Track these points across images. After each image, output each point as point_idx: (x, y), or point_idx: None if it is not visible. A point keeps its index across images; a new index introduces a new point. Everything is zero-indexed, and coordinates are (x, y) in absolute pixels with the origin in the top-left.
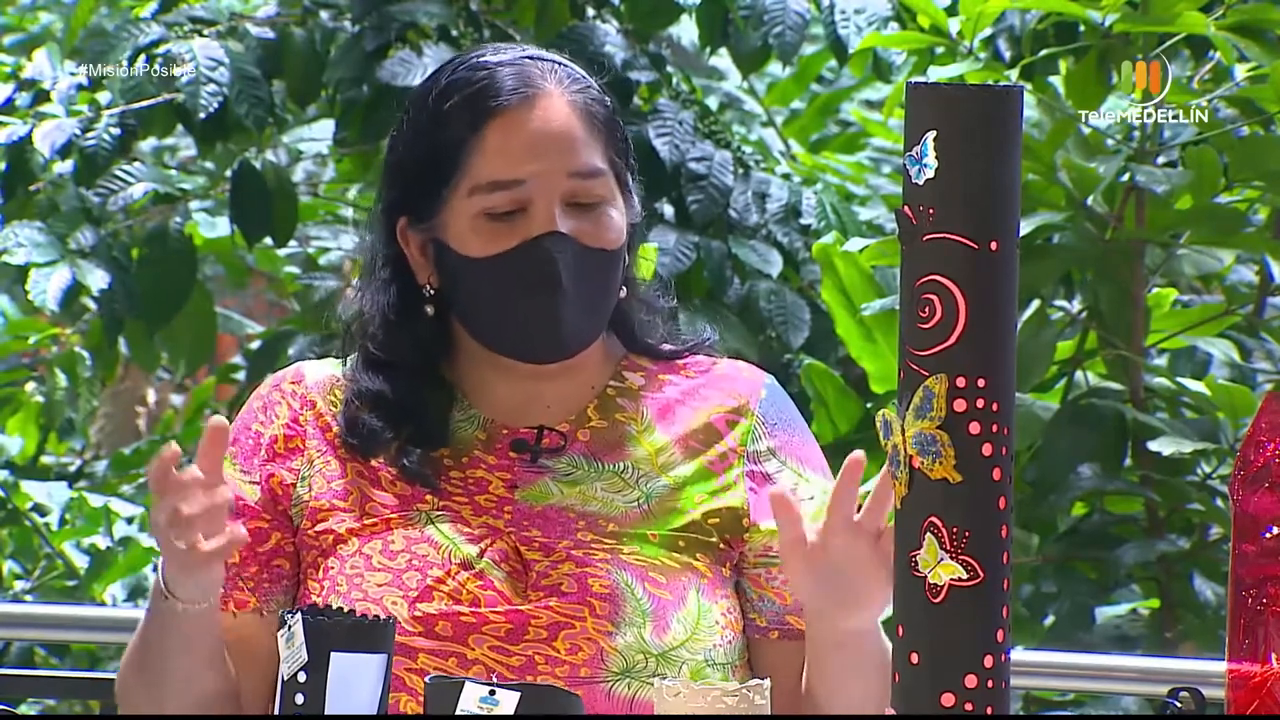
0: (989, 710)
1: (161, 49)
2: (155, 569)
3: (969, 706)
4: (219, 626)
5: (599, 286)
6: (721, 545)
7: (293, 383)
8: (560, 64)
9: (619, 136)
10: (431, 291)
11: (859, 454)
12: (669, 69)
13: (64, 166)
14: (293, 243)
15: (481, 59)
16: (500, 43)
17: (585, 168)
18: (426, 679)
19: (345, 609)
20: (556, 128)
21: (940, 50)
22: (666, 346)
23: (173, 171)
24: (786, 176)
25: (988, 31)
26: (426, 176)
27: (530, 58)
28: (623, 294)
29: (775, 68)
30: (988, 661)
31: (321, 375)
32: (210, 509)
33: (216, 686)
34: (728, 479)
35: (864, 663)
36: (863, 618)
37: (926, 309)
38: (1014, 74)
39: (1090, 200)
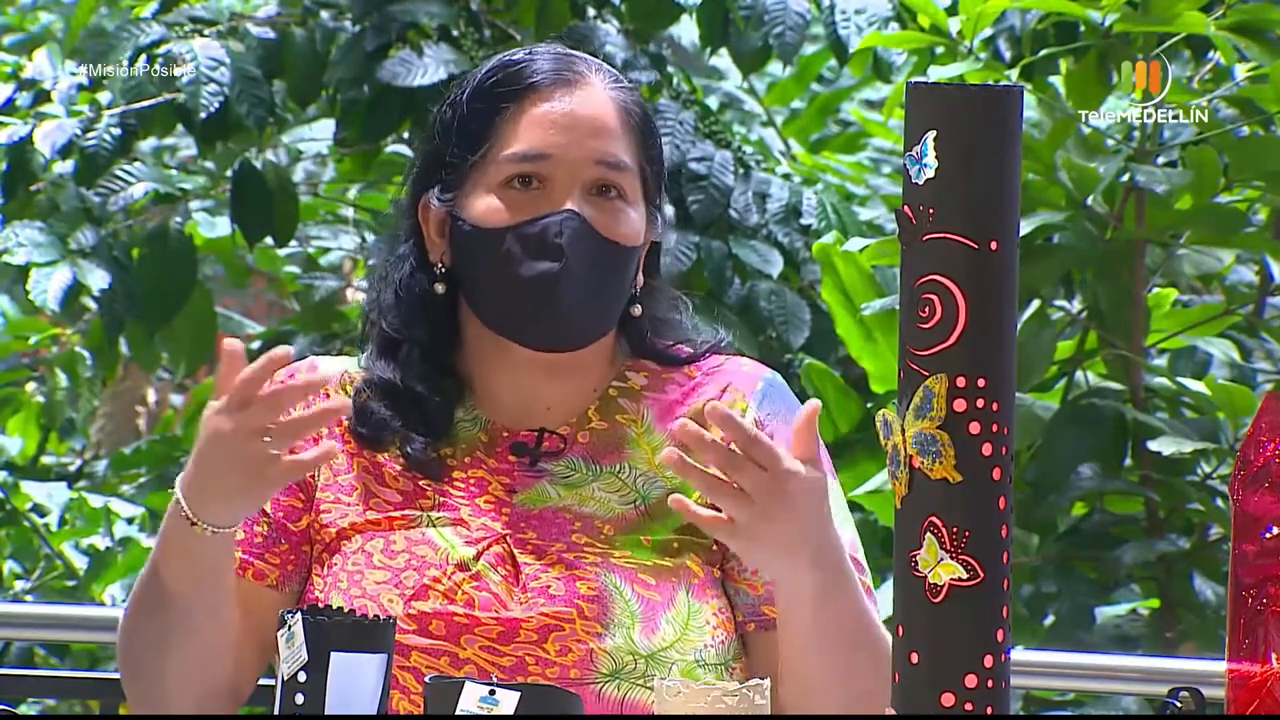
0: (989, 710)
1: (162, 49)
2: (176, 496)
3: (969, 706)
4: (232, 563)
5: (606, 281)
6: (714, 545)
7: (307, 373)
8: (603, 65)
9: (652, 146)
10: (442, 269)
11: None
12: (669, 69)
13: (64, 166)
14: (293, 243)
15: (520, 50)
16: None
17: (613, 158)
18: (426, 679)
19: (344, 606)
20: (592, 112)
21: (940, 50)
22: (679, 349)
23: (173, 171)
24: (787, 176)
25: (988, 31)
26: (457, 145)
27: (567, 51)
28: (636, 312)
29: (775, 68)
30: (988, 661)
31: (334, 369)
32: (324, 416)
33: (224, 637)
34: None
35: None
36: (782, 556)
37: (926, 309)
38: (1014, 74)
39: (1090, 200)
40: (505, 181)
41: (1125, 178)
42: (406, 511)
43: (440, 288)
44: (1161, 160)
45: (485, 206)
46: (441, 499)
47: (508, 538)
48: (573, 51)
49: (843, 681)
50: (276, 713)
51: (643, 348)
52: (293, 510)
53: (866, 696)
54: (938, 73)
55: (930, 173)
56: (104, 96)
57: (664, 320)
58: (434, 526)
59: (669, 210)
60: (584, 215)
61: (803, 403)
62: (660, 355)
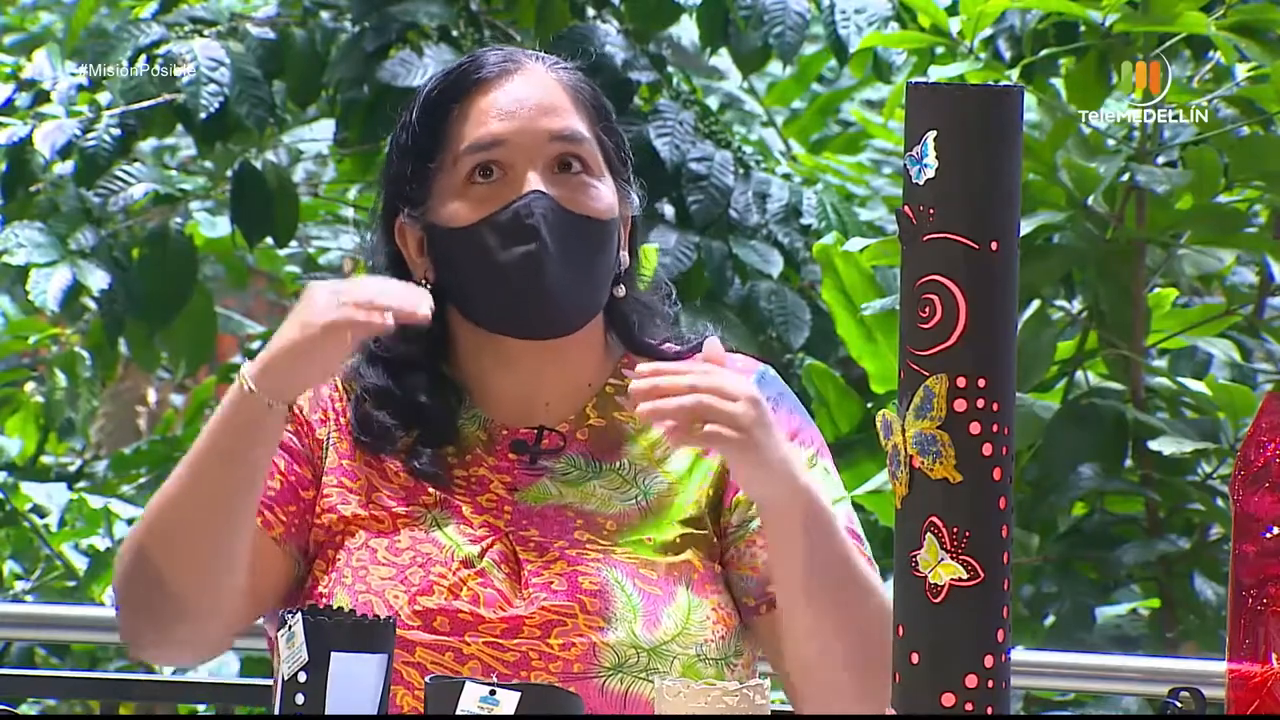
0: (989, 710)
1: (162, 49)
2: (240, 380)
3: (969, 706)
4: (269, 461)
5: (586, 256)
6: (714, 538)
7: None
8: (539, 53)
9: (607, 119)
10: (428, 285)
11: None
12: (669, 69)
13: (64, 167)
14: (293, 243)
15: (462, 57)
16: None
17: (567, 131)
18: (427, 679)
19: (349, 601)
20: (537, 92)
21: (940, 50)
22: (668, 347)
23: (173, 172)
24: (787, 177)
25: (988, 31)
26: (415, 158)
27: (506, 48)
28: (621, 293)
29: (775, 68)
30: (988, 661)
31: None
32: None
33: (246, 557)
34: (717, 458)
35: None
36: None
37: (926, 309)
38: (1014, 74)
39: (1090, 200)
40: (466, 178)
41: (1125, 178)
42: (410, 508)
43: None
44: (1161, 160)
45: (453, 208)
46: (443, 496)
47: (509, 535)
48: (515, 48)
49: (836, 622)
50: (277, 713)
51: (631, 340)
52: (303, 479)
53: (864, 640)
54: (938, 73)
55: (930, 173)
56: (104, 97)
57: (647, 304)
58: (437, 525)
59: (669, 210)
60: (549, 194)
61: (802, 401)
62: (652, 352)
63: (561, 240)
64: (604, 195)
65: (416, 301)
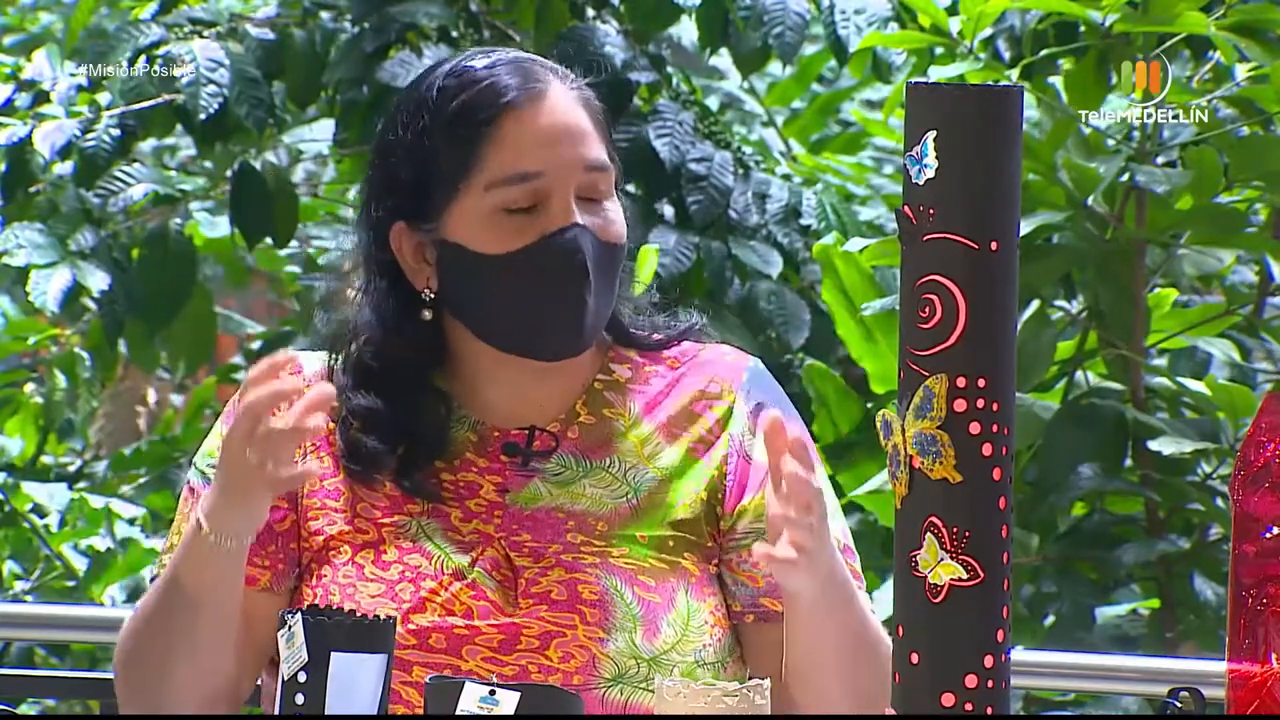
0: (989, 710)
1: (162, 50)
2: (196, 514)
3: (969, 706)
4: (242, 574)
5: (610, 282)
6: (708, 543)
7: (291, 374)
8: (552, 65)
9: (612, 134)
10: (430, 296)
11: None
12: (669, 69)
13: (64, 168)
14: (293, 243)
15: (469, 64)
16: (478, 48)
17: (597, 161)
18: (427, 678)
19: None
20: (569, 120)
21: (940, 50)
22: (655, 337)
23: (173, 172)
24: (787, 177)
25: (988, 31)
26: (432, 178)
27: (520, 58)
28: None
29: (775, 68)
30: (988, 661)
31: (318, 367)
32: (298, 432)
33: (229, 647)
34: (712, 462)
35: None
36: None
37: (926, 309)
38: (1014, 74)
39: (1090, 200)
40: (502, 205)
41: (1125, 178)
42: (395, 518)
43: (429, 314)
44: (1161, 160)
45: (485, 233)
46: (431, 504)
47: (501, 540)
48: (525, 56)
49: (847, 687)
50: (276, 713)
51: (620, 333)
52: (276, 509)
53: (866, 697)
54: (938, 73)
55: (930, 173)
56: (103, 97)
57: (636, 305)
58: (425, 535)
59: (668, 210)
60: (586, 226)
61: (802, 401)
62: (640, 343)
63: (598, 271)
64: (620, 218)
65: (325, 402)
